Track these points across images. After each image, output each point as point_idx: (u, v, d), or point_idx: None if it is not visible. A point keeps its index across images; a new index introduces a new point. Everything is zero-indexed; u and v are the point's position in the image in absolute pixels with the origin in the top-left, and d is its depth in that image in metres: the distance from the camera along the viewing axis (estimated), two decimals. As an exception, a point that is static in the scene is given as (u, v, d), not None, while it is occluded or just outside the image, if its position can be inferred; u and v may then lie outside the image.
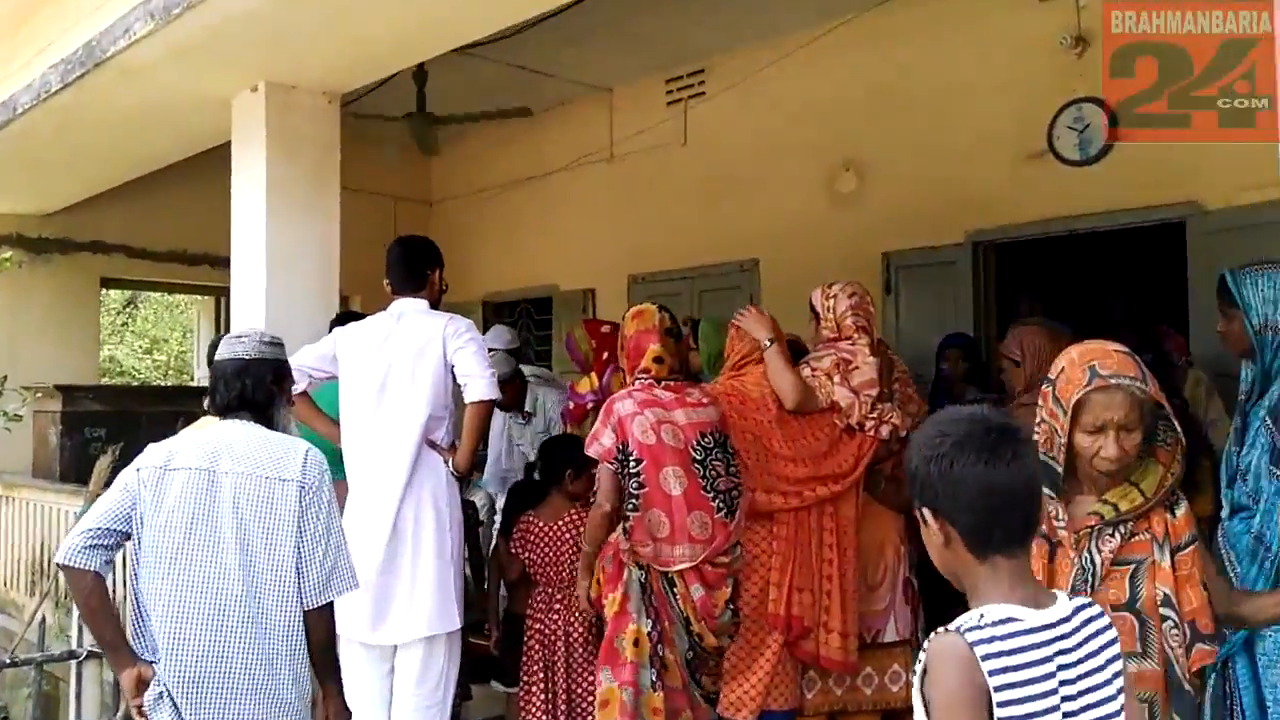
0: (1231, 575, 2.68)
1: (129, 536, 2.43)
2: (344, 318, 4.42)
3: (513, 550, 4.16)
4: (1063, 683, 1.50)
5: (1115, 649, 1.59)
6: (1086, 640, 1.55)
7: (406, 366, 3.56)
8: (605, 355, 4.62)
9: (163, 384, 16.08)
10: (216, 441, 2.47)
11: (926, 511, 1.58)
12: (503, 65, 6.55)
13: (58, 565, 2.42)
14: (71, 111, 5.28)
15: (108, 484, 5.95)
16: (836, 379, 3.55)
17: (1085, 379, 2.00)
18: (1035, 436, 2.06)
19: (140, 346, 17.21)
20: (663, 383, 3.39)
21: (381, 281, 3.81)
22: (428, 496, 3.53)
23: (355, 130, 6.87)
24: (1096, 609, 1.60)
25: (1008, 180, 5.45)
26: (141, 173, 6.79)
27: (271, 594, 2.38)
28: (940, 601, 4.16)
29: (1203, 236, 4.92)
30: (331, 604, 2.48)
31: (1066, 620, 1.54)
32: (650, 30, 6.36)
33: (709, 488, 3.28)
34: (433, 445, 3.57)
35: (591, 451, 3.35)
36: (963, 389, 5.07)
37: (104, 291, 9.13)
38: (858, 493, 3.61)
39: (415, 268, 3.74)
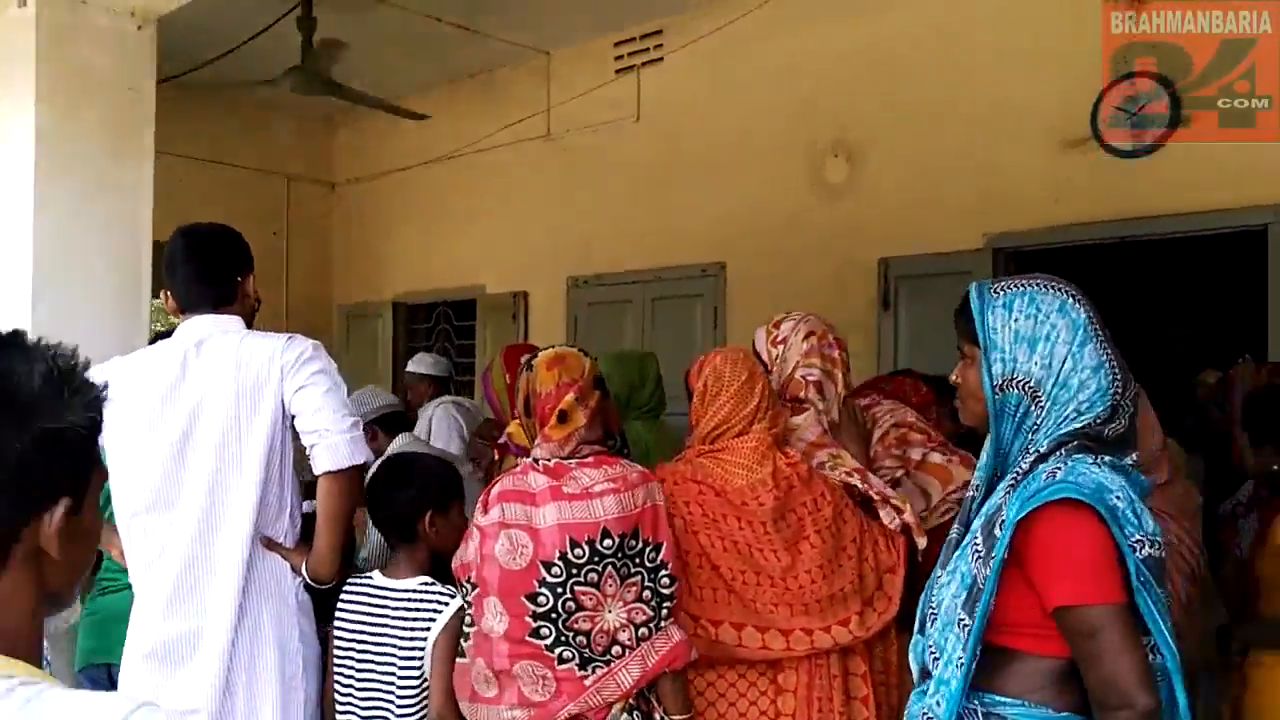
0: None
1: None
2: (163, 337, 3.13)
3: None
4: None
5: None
6: None
7: (222, 421, 2.36)
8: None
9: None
10: None
11: None
12: (414, 15, 5.35)
13: None
14: None
15: None
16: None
17: None
18: None
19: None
20: (555, 461, 2.26)
21: (267, 282, 2.80)
22: (267, 630, 2.40)
23: (236, 95, 5.83)
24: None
25: (1039, 173, 4.60)
26: None
27: None
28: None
29: (1290, 246, 4.00)
30: None
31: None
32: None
33: (552, 625, 2.18)
34: (271, 545, 2.43)
35: (454, 564, 2.37)
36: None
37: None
38: (896, 626, 2.50)
39: (217, 269, 2.52)
